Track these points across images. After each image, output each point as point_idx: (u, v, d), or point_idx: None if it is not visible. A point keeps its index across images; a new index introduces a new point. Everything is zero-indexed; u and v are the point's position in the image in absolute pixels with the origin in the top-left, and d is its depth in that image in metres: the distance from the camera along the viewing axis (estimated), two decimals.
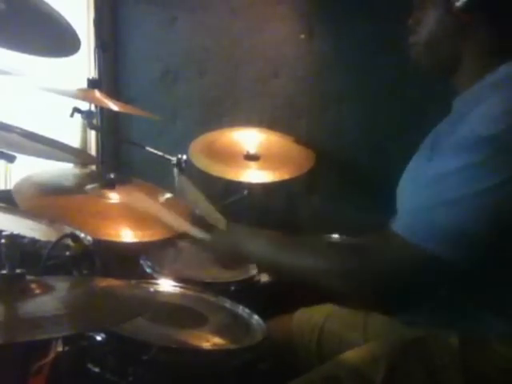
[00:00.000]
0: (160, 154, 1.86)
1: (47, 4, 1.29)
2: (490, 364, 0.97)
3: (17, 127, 1.32)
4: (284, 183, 2.01)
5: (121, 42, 2.40)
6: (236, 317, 1.28)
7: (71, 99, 1.76)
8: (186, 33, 2.34)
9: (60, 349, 1.12)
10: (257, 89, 2.30)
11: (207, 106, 2.34)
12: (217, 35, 2.30)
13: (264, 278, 1.60)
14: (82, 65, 2.22)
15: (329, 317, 1.31)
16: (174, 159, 1.82)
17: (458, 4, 1.03)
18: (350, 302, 1.13)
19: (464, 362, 0.97)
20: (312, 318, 1.34)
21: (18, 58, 1.46)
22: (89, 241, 1.42)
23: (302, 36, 2.23)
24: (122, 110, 1.81)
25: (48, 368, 1.12)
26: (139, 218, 1.47)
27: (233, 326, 1.23)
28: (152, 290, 1.34)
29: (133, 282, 1.31)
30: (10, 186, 1.98)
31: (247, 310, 1.29)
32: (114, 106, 1.72)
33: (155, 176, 1.87)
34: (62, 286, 1.01)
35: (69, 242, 1.32)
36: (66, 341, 1.11)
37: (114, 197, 1.51)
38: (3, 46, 1.30)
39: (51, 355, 1.11)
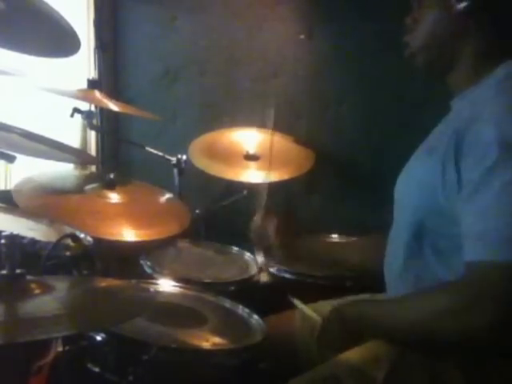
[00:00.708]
0: (160, 154, 1.86)
1: (47, 4, 1.29)
2: (490, 364, 0.96)
3: (17, 127, 1.32)
4: (284, 183, 2.01)
5: (121, 42, 2.40)
6: (236, 317, 1.28)
7: (71, 99, 1.76)
8: (185, 33, 2.34)
9: (60, 349, 1.12)
10: (256, 89, 2.30)
11: (207, 106, 2.34)
12: (217, 35, 2.30)
13: (264, 277, 1.60)
14: (82, 65, 2.23)
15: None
16: (173, 159, 1.83)
17: (458, 6, 1.03)
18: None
19: (464, 363, 0.97)
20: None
21: (18, 58, 1.46)
22: (89, 241, 1.42)
23: (302, 36, 2.23)
24: (121, 110, 1.81)
25: (48, 368, 1.12)
26: (139, 218, 1.48)
27: (232, 326, 1.23)
28: (152, 289, 1.34)
29: (133, 281, 1.31)
30: (10, 186, 1.98)
31: (247, 310, 1.29)
32: (113, 107, 1.73)
33: (155, 176, 1.87)
34: (61, 285, 1.01)
35: (69, 242, 1.32)
36: (66, 341, 1.11)
37: (113, 197, 1.51)
38: (3, 46, 1.30)
39: (51, 355, 1.11)
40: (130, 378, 1.03)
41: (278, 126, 1.97)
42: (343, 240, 1.89)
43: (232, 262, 1.66)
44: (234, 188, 2.10)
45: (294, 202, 2.31)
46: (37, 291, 0.92)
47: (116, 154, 2.42)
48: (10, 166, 1.90)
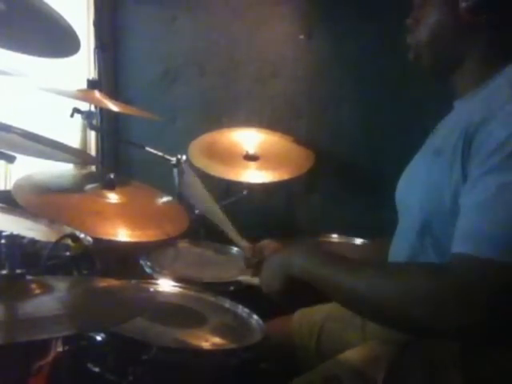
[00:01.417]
0: (160, 154, 1.86)
1: (47, 4, 1.29)
2: (490, 365, 0.96)
3: (17, 127, 1.33)
4: (284, 183, 2.01)
5: (121, 42, 2.40)
6: (236, 317, 1.28)
7: (71, 99, 1.76)
8: (186, 33, 2.34)
9: (60, 349, 1.12)
10: (256, 89, 2.30)
11: (207, 106, 2.34)
12: (217, 35, 2.30)
13: None
14: (82, 65, 2.23)
15: (328, 317, 1.31)
16: (173, 159, 1.82)
17: (464, 4, 1.01)
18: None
19: (464, 363, 0.97)
20: (311, 318, 1.34)
21: (18, 58, 1.46)
22: (88, 241, 1.42)
23: (302, 36, 2.23)
24: (121, 110, 1.81)
25: (48, 368, 1.12)
26: (139, 218, 1.48)
27: (232, 326, 1.23)
28: (152, 289, 1.34)
29: (133, 281, 1.31)
30: (10, 186, 1.98)
31: (247, 310, 1.29)
32: (113, 107, 1.73)
33: (155, 176, 1.87)
34: (61, 286, 1.01)
35: (69, 242, 1.32)
36: (66, 341, 1.11)
37: (113, 197, 1.51)
38: (3, 46, 1.30)
39: (51, 355, 1.11)
40: (130, 378, 1.03)
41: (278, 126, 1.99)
42: (343, 240, 1.89)
43: (232, 262, 1.66)
44: (234, 188, 2.10)
45: (293, 201, 2.31)
46: (37, 291, 0.92)
47: (116, 154, 2.43)
48: (9, 166, 1.90)
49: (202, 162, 2.00)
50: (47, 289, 0.93)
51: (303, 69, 2.25)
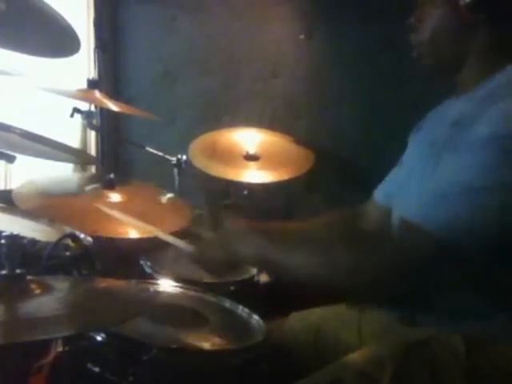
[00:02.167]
0: (160, 154, 1.86)
1: (47, 4, 1.29)
2: (493, 366, 0.96)
3: (17, 127, 1.32)
4: (284, 183, 2.01)
5: (121, 42, 2.40)
6: (236, 317, 1.28)
7: (71, 99, 1.76)
8: (186, 33, 2.34)
9: (60, 349, 1.12)
10: (256, 89, 2.30)
11: (207, 106, 2.34)
12: (217, 35, 2.30)
13: (264, 278, 1.60)
14: (82, 65, 2.23)
15: (324, 318, 1.30)
16: (173, 159, 1.82)
17: (464, 2, 1.01)
18: (356, 299, 1.10)
19: (468, 364, 0.96)
20: (306, 320, 1.33)
21: (18, 58, 1.46)
22: (88, 241, 1.42)
23: (302, 36, 2.23)
24: (121, 110, 1.81)
25: (48, 368, 1.12)
26: (141, 216, 1.47)
27: (232, 326, 1.23)
28: (152, 289, 1.34)
29: (133, 281, 1.31)
30: (10, 186, 1.98)
31: (247, 310, 1.29)
32: (113, 107, 1.73)
33: (155, 176, 1.87)
34: (61, 285, 1.01)
35: (69, 242, 1.32)
36: (66, 341, 1.11)
37: (113, 197, 1.51)
38: (3, 46, 1.30)
39: (51, 355, 1.11)
40: (130, 378, 1.03)
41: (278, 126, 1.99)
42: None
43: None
44: (234, 188, 2.10)
45: (293, 201, 2.31)
46: (37, 291, 0.92)
47: (116, 154, 2.43)
48: (9, 165, 1.90)
49: (202, 162, 2.00)
50: (47, 289, 0.93)
51: (303, 69, 2.26)
